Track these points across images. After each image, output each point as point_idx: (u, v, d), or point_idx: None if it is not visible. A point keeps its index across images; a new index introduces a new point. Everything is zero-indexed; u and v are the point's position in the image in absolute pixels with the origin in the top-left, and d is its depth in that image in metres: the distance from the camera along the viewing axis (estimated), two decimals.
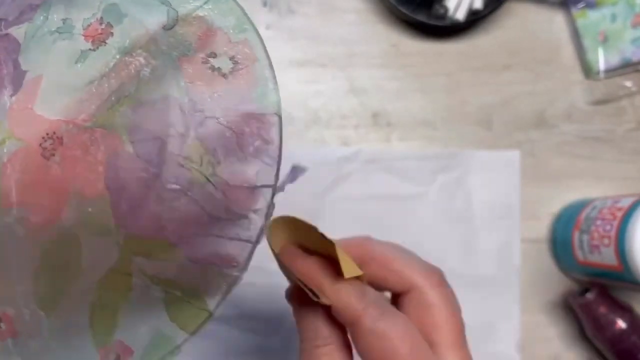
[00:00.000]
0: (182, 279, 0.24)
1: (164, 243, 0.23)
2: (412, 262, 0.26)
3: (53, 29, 0.25)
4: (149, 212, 0.23)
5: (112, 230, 0.23)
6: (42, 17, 0.25)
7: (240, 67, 0.24)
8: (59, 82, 0.24)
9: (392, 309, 0.24)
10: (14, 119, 0.24)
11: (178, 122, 0.23)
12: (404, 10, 0.45)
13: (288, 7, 0.48)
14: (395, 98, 0.47)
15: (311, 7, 0.48)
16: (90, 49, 0.24)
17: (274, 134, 0.24)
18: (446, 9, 0.45)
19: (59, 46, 0.24)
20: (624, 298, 0.43)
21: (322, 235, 0.23)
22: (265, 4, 0.48)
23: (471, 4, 0.45)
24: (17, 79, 0.24)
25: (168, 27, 0.25)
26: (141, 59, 0.24)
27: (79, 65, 0.24)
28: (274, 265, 0.26)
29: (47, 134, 0.23)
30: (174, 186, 0.23)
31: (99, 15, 0.25)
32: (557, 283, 0.46)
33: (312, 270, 0.24)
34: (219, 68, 0.24)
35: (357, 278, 0.24)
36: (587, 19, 0.47)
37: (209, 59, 0.24)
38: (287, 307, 0.26)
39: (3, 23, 0.26)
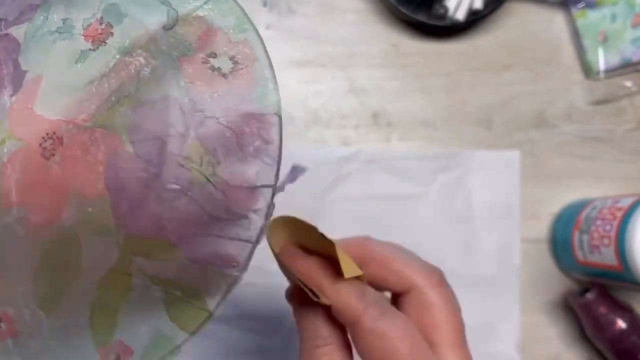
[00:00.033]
0: (182, 279, 0.24)
1: (164, 243, 0.23)
2: (412, 262, 0.26)
3: (53, 29, 0.25)
4: (149, 212, 0.23)
5: (112, 230, 0.23)
6: (42, 17, 0.25)
7: (240, 67, 0.24)
8: (59, 82, 0.24)
9: (392, 309, 0.24)
10: (14, 119, 0.24)
11: (178, 122, 0.23)
12: (404, 10, 0.45)
13: (288, 7, 0.48)
14: (395, 98, 0.47)
15: (311, 7, 0.48)
16: (90, 49, 0.24)
17: (274, 134, 0.24)
18: (446, 9, 0.45)
19: (59, 46, 0.24)
20: (624, 298, 0.43)
21: (322, 235, 0.23)
22: (265, 4, 0.48)
23: (471, 4, 0.45)
24: (17, 79, 0.24)
25: (168, 27, 0.25)
26: (141, 59, 0.24)
27: (79, 65, 0.24)
28: (274, 265, 0.26)
29: (47, 134, 0.23)
30: (174, 186, 0.23)
31: (99, 15, 0.25)
32: (557, 283, 0.46)
33: (312, 270, 0.24)
34: (219, 68, 0.24)
35: (357, 278, 0.24)
36: (587, 19, 0.47)
37: (209, 59, 0.24)
38: (287, 307, 0.26)
39: (3, 23, 0.26)
